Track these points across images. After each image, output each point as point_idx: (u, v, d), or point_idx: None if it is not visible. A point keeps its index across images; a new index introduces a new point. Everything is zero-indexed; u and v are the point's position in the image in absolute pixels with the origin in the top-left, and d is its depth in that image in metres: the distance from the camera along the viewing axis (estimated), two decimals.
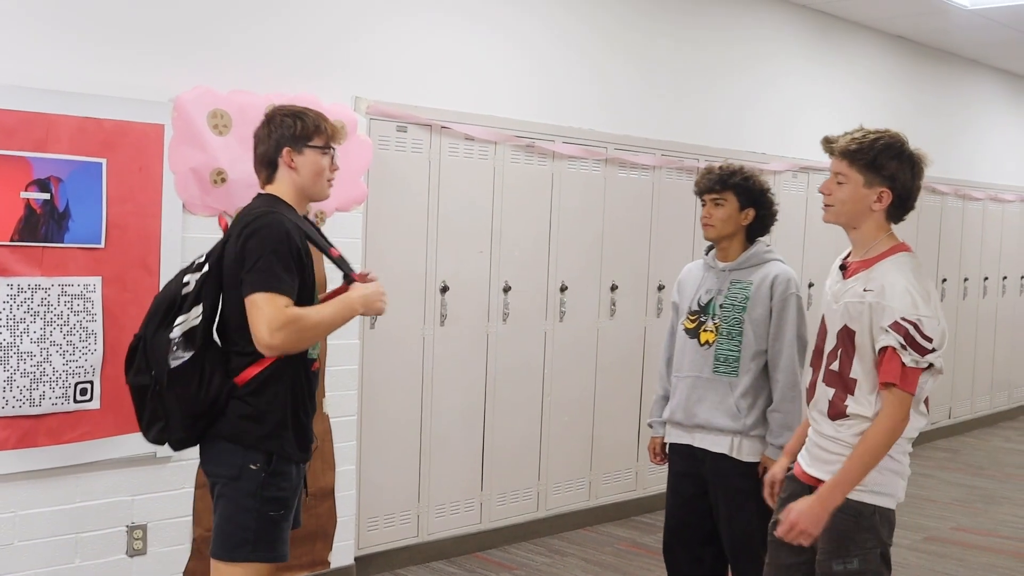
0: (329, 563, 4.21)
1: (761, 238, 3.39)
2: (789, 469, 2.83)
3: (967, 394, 8.20)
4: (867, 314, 2.50)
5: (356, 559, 4.35)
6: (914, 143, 2.63)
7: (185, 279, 2.62)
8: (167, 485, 3.71)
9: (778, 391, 3.22)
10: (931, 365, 2.44)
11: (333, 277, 3.02)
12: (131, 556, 3.64)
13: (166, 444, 2.68)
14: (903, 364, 2.42)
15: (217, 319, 2.68)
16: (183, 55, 3.69)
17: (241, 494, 2.60)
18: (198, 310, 2.58)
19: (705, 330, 3.32)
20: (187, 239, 3.67)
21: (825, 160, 2.67)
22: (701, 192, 3.36)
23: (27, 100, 3.28)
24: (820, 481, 2.58)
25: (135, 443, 3.31)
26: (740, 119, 6.04)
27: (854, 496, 2.49)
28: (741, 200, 3.30)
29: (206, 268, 2.63)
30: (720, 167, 3.36)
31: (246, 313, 2.54)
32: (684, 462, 3.38)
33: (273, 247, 2.53)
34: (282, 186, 2.71)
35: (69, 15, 3.42)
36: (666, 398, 3.49)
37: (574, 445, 5.23)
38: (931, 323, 2.44)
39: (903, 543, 5.07)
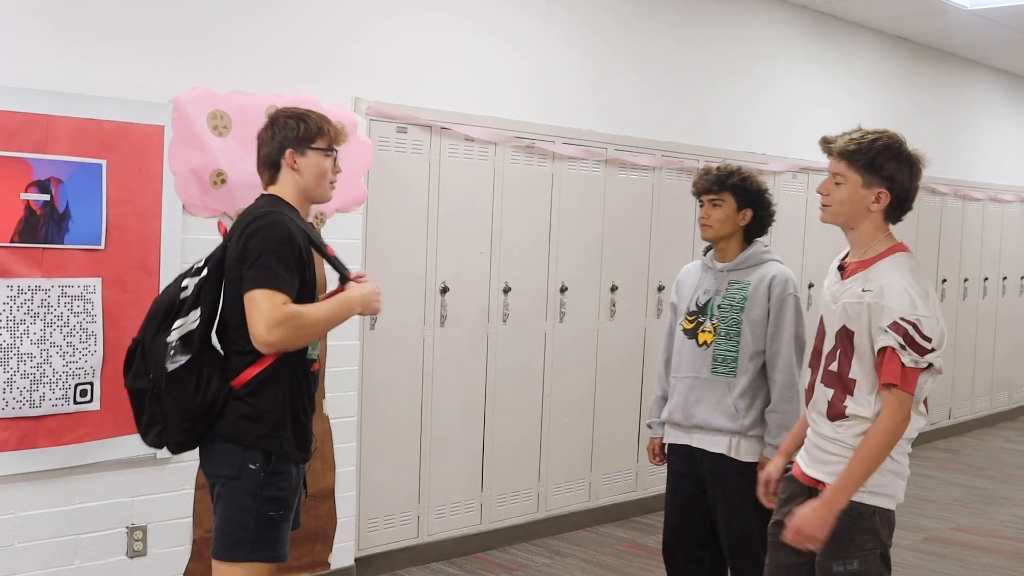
0: (329, 564, 4.21)
1: (759, 238, 3.39)
2: (787, 470, 2.83)
3: (967, 394, 8.20)
4: (866, 314, 2.50)
5: (356, 560, 4.35)
6: (914, 143, 2.63)
7: (184, 283, 2.64)
8: (167, 486, 3.71)
9: (776, 391, 3.23)
10: (930, 365, 2.44)
11: (333, 279, 3.03)
12: (131, 557, 3.64)
13: (164, 448, 2.69)
14: (903, 364, 2.42)
15: (217, 320, 2.69)
16: (183, 56, 3.69)
17: (240, 494, 2.60)
18: (196, 314, 2.60)
19: (703, 331, 3.32)
20: (187, 240, 3.67)
21: (825, 161, 2.67)
22: (699, 193, 3.37)
23: (27, 101, 3.28)
24: (819, 482, 2.58)
25: (135, 444, 3.30)
26: (740, 120, 6.04)
27: (854, 497, 2.49)
28: (739, 201, 3.30)
29: (205, 272, 2.64)
30: (718, 168, 3.36)
31: (245, 311, 2.55)
32: (682, 462, 3.38)
33: (274, 246, 2.54)
34: (285, 187, 2.73)
35: (69, 16, 3.42)
36: (664, 399, 3.49)
37: (574, 446, 5.23)
38: (930, 323, 2.44)
39: (903, 543, 5.07)
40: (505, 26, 4.77)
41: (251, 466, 2.60)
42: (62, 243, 3.36)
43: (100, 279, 3.46)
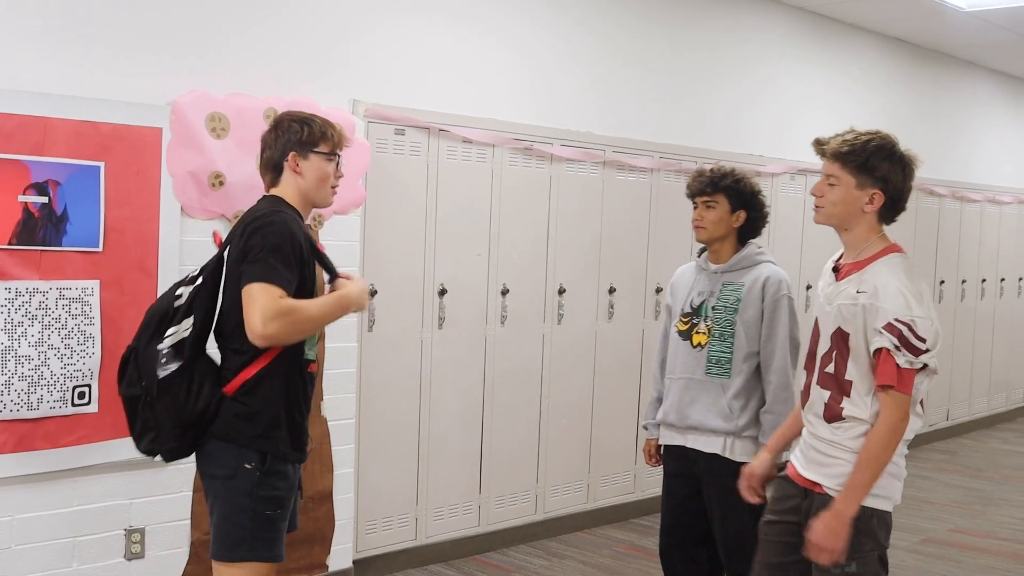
0: (327, 566, 4.21)
1: (753, 240, 3.40)
2: (781, 468, 2.84)
3: (965, 396, 8.21)
4: (860, 316, 2.51)
5: (354, 562, 4.34)
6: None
7: (178, 291, 2.67)
8: (165, 489, 3.71)
9: (771, 392, 3.24)
10: (925, 366, 2.45)
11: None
12: (129, 560, 3.64)
13: (158, 456, 2.70)
14: (898, 366, 2.43)
15: (215, 322, 2.71)
16: (181, 58, 3.69)
17: (236, 493, 2.61)
18: (188, 322, 2.62)
19: (697, 332, 3.33)
20: (185, 242, 3.67)
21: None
22: (692, 194, 3.39)
23: (24, 104, 3.28)
24: (816, 484, 2.58)
25: (133, 447, 3.29)
26: (738, 121, 6.05)
27: None
28: (732, 202, 3.31)
29: (199, 281, 2.67)
30: (711, 169, 3.38)
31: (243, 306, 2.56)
32: (678, 463, 3.39)
33: (275, 243, 2.55)
34: (287, 189, 2.75)
35: (65, 19, 3.42)
36: (660, 400, 3.50)
37: (572, 448, 5.23)
38: (924, 324, 2.44)
39: (901, 545, 5.07)
40: (503, 28, 4.78)
41: (246, 465, 2.61)
42: (60, 245, 3.36)
43: (98, 281, 3.46)
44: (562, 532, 5.18)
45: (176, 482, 3.72)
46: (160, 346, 2.59)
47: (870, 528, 2.51)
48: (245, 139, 3.74)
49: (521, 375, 4.94)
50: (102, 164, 3.45)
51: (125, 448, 3.51)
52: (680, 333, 3.39)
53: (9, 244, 3.26)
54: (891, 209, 2.59)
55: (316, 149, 2.73)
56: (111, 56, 3.52)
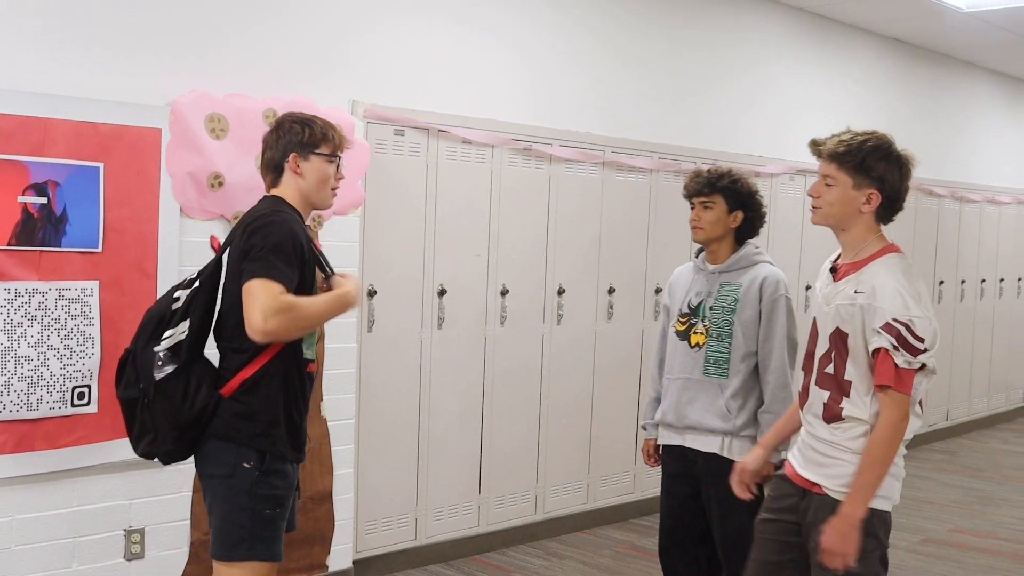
0: (327, 567, 4.21)
1: (750, 240, 3.41)
2: (778, 467, 2.84)
3: (964, 396, 8.21)
4: (859, 316, 2.51)
5: (354, 562, 4.34)
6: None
7: (176, 295, 2.69)
8: (165, 489, 3.71)
9: (769, 392, 3.25)
10: (924, 366, 2.45)
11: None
12: (129, 560, 3.64)
13: (156, 458, 2.71)
14: (896, 365, 2.43)
15: (215, 322, 2.72)
16: (180, 59, 3.69)
17: (235, 492, 2.62)
18: (185, 325, 2.64)
19: (695, 332, 3.34)
20: (184, 243, 3.67)
21: None
22: (690, 195, 3.39)
23: (23, 104, 3.28)
24: (815, 484, 2.58)
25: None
26: (737, 122, 6.05)
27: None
28: (730, 203, 3.32)
29: (196, 284, 2.69)
30: (708, 170, 3.38)
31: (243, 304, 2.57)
32: (676, 463, 3.40)
33: (276, 242, 2.57)
34: (287, 190, 2.76)
35: (64, 19, 3.42)
36: (658, 400, 3.51)
37: (572, 448, 5.23)
38: (922, 323, 2.44)
39: (901, 545, 5.08)
40: (502, 28, 4.78)
41: (245, 465, 2.62)
42: (59, 246, 3.36)
43: (97, 282, 3.46)
44: (562, 532, 5.18)
45: (176, 482, 3.72)
46: (156, 348, 2.61)
47: (872, 528, 2.51)
48: (244, 140, 3.74)
49: (521, 375, 4.95)
50: (101, 165, 3.45)
51: (125, 449, 3.49)
52: (678, 333, 3.39)
53: (8, 245, 3.26)
54: (888, 209, 2.59)
55: (317, 151, 2.75)
56: (111, 56, 3.53)
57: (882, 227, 2.63)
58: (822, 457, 2.58)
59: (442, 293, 4.57)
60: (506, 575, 4.61)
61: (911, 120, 7.42)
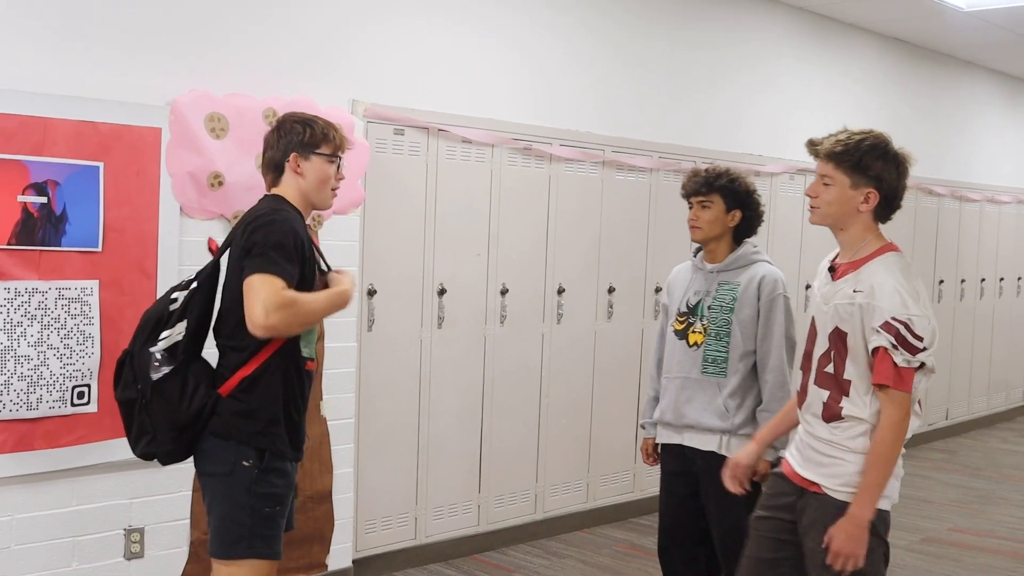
0: (327, 566, 4.21)
1: (748, 239, 3.41)
2: (775, 465, 2.84)
3: (964, 395, 8.21)
4: (858, 315, 2.51)
5: (354, 562, 4.35)
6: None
7: (173, 296, 2.70)
8: (164, 488, 3.71)
9: (767, 391, 3.25)
10: (923, 364, 2.45)
11: None
12: (128, 559, 3.64)
13: (155, 459, 2.72)
14: (895, 364, 2.43)
15: (214, 321, 2.73)
16: (180, 58, 3.69)
17: (234, 491, 2.63)
18: (182, 326, 2.65)
19: (693, 331, 3.34)
20: (184, 242, 3.67)
21: None
22: (688, 194, 3.40)
23: (23, 104, 3.28)
24: (813, 483, 2.58)
25: None
26: (736, 121, 6.05)
27: (849, 500, 2.50)
28: (727, 202, 3.32)
29: (194, 285, 2.70)
30: (706, 169, 3.39)
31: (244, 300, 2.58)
32: (675, 461, 3.40)
33: (277, 240, 2.57)
34: (288, 190, 2.77)
35: (64, 19, 3.42)
36: (657, 399, 3.51)
37: (571, 447, 5.23)
38: (921, 322, 2.45)
39: (900, 544, 5.08)
40: (502, 28, 4.78)
41: (244, 463, 2.62)
42: (59, 245, 3.36)
43: (97, 281, 3.46)
44: (561, 531, 5.18)
45: (175, 482, 3.72)
46: (154, 349, 2.62)
47: (875, 527, 2.51)
48: (244, 139, 3.75)
49: (520, 375, 4.95)
50: (101, 164, 3.45)
51: (124, 448, 3.48)
52: (676, 332, 3.39)
53: (8, 244, 3.26)
54: (886, 208, 2.59)
55: (318, 151, 2.76)
56: (111, 56, 3.53)
57: (881, 226, 2.64)
58: (821, 457, 2.58)
59: (442, 292, 4.57)
60: (506, 574, 4.62)
61: (911, 119, 7.42)
